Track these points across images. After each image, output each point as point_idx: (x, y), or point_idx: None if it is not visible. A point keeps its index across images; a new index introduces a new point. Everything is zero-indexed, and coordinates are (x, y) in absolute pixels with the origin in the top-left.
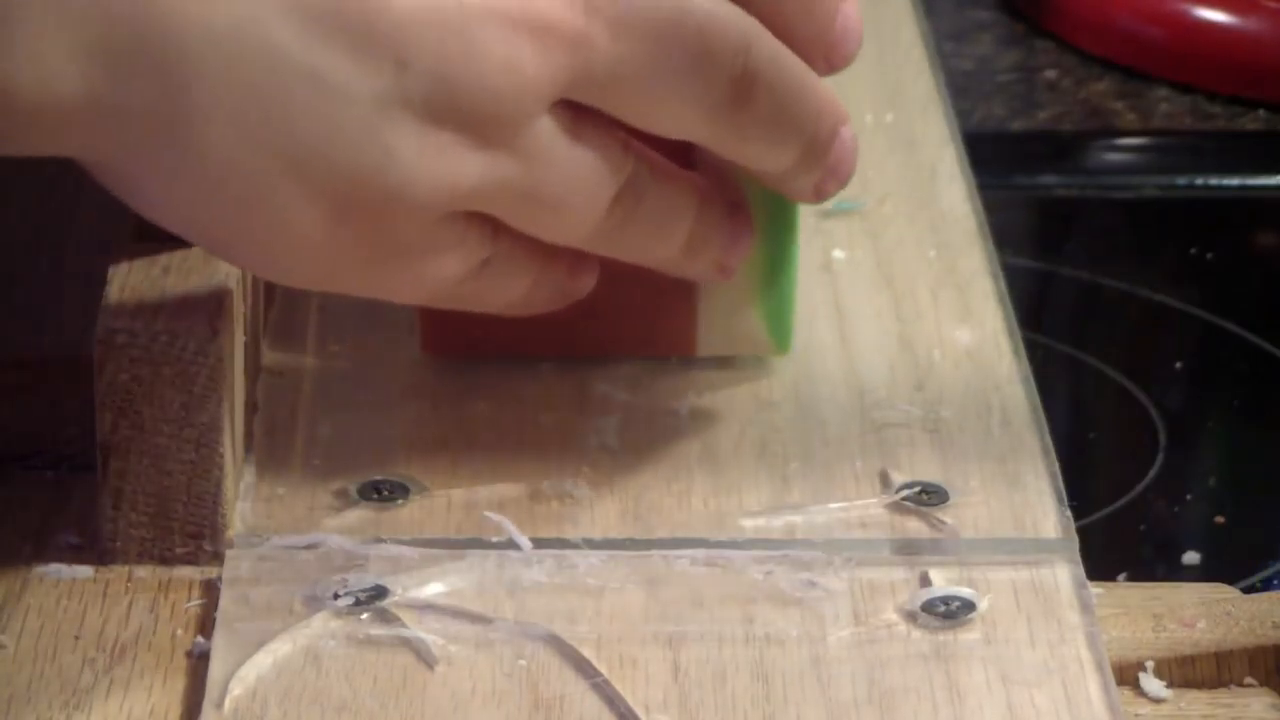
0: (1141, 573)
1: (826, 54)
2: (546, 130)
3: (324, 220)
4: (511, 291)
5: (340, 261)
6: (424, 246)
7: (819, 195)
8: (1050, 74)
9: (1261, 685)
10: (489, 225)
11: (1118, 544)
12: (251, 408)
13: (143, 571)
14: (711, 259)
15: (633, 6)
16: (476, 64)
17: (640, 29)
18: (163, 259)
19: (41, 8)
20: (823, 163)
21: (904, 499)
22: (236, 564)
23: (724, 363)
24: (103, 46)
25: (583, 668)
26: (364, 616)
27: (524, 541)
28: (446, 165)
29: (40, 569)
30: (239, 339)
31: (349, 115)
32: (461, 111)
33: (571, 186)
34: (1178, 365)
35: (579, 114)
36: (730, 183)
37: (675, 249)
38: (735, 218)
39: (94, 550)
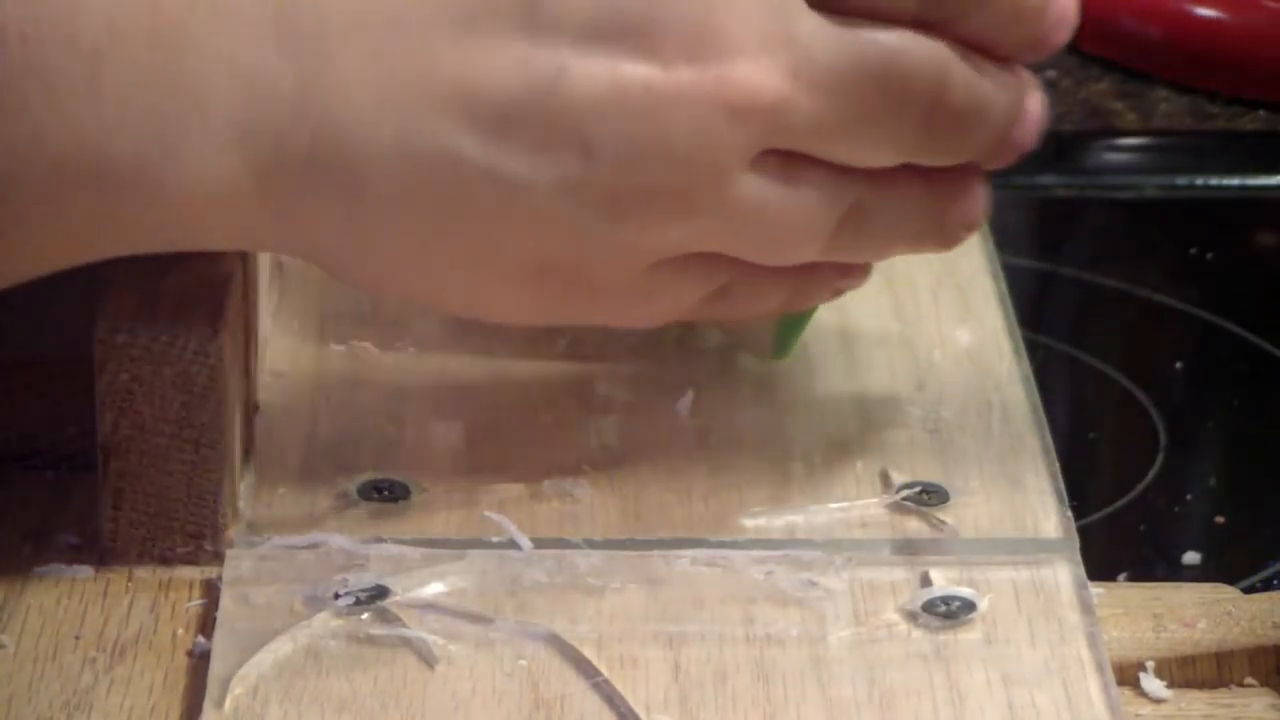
0: (1141, 573)
1: (1035, 46)
2: (750, 184)
3: (523, 292)
4: (768, 304)
5: (554, 308)
6: (642, 292)
7: (1000, 161)
8: (1050, 74)
9: (1262, 685)
10: (720, 259)
11: (1118, 544)
12: (251, 408)
13: (143, 571)
14: (952, 235)
15: (830, 66)
16: (666, 142)
17: (837, 85)
18: (163, 259)
19: (218, 122)
20: (1005, 146)
21: (904, 499)
22: (237, 564)
23: (725, 362)
24: (276, 162)
25: (583, 667)
26: (364, 616)
27: (524, 541)
28: (641, 236)
29: (40, 569)
30: (239, 339)
31: (531, 205)
32: (654, 188)
33: (786, 227)
34: (1178, 365)
35: (786, 158)
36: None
37: (908, 243)
38: (965, 187)
39: (94, 550)
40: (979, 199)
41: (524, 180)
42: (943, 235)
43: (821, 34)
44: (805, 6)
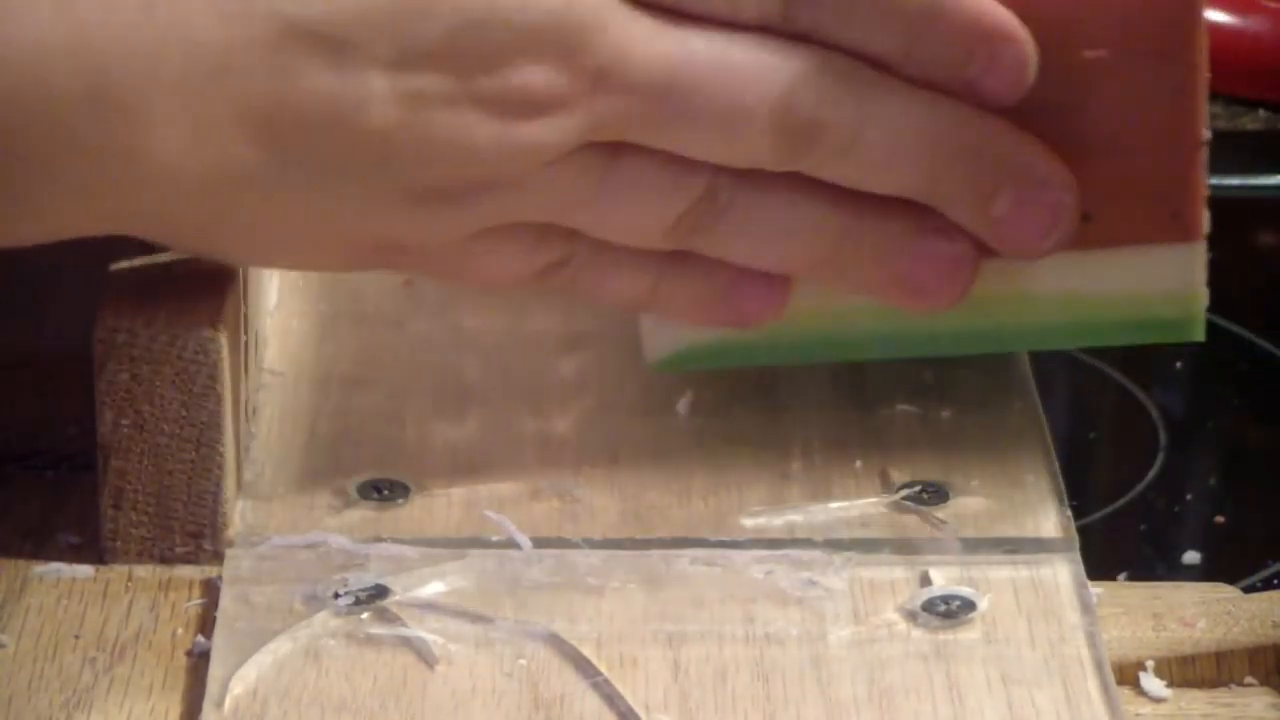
0: (1141, 572)
1: (965, 76)
2: (567, 171)
3: (352, 258)
4: (622, 287)
5: (386, 266)
6: (473, 257)
7: (1001, 244)
8: None
9: (1261, 685)
10: (554, 229)
11: (1118, 544)
12: (251, 408)
13: (143, 571)
14: (886, 277)
15: (646, 68)
16: (471, 153)
17: (654, 87)
18: (163, 259)
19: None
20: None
21: (904, 498)
22: (237, 563)
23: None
24: None
25: (583, 667)
26: (364, 616)
27: (524, 541)
28: (454, 218)
29: (40, 569)
30: (239, 339)
31: (339, 214)
32: (462, 184)
33: (611, 205)
34: (1178, 365)
35: (614, 144)
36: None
37: (802, 264)
38: (947, 239)
39: (94, 550)
40: (947, 267)
41: (331, 196)
42: (864, 274)
43: (640, 35)
44: (627, 7)
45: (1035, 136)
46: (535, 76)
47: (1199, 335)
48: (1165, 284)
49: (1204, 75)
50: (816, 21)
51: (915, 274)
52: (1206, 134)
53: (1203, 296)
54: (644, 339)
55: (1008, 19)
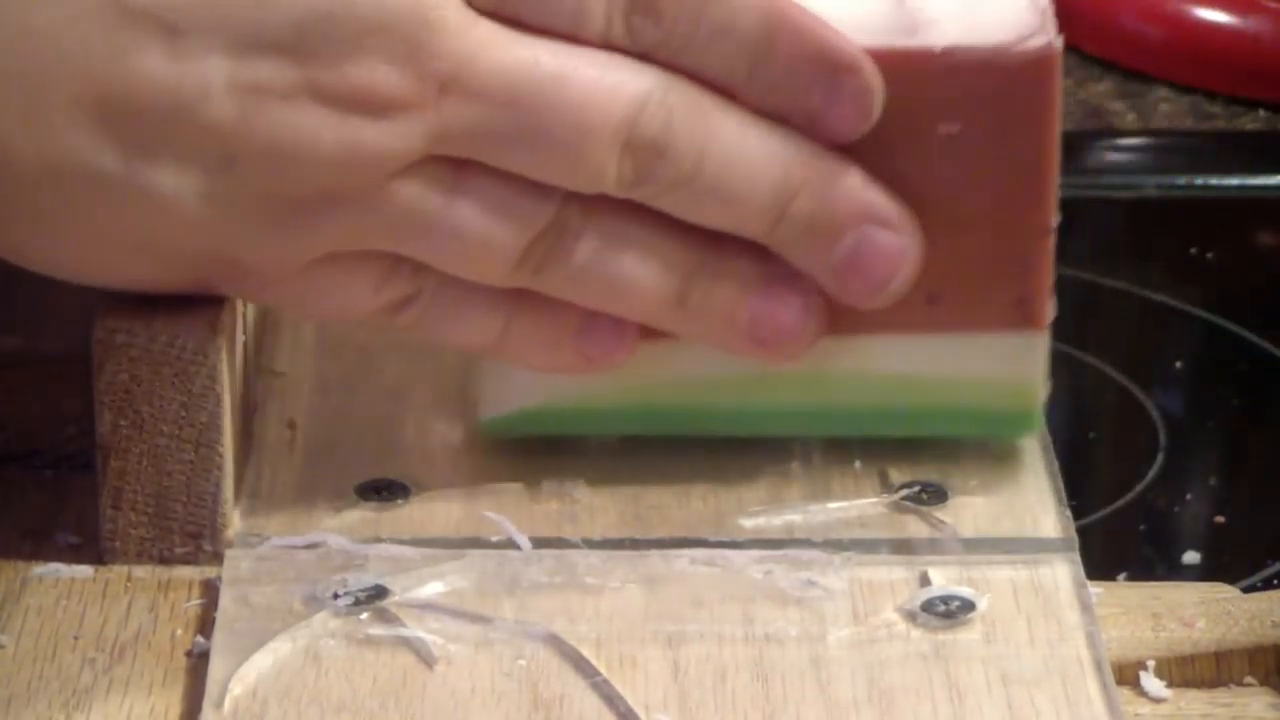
0: (1141, 572)
1: (808, 109)
2: (411, 187)
3: (186, 276)
4: (471, 329)
5: (222, 290)
6: (314, 287)
7: (842, 289)
8: None
9: (1261, 685)
10: (404, 263)
11: (1118, 544)
12: (251, 408)
13: (142, 571)
14: (731, 325)
15: (490, 76)
16: (312, 151)
17: (497, 97)
18: None
19: None
20: (821, 249)
21: (904, 498)
22: (236, 564)
23: None
24: None
25: (582, 667)
26: (364, 616)
27: (524, 541)
28: (295, 235)
29: (40, 569)
30: (239, 339)
31: (179, 214)
32: (303, 191)
33: (457, 235)
34: (1178, 365)
35: (460, 164)
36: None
37: (648, 306)
38: (792, 288)
39: (94, 550)
40: (787, 320)
41: (170, 192)
42: (710, 320)
43: (488, 42)
44: (473, 14)
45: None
46: (381, 75)
47: (1035, 429)
48: (1004, 373)
49: (1055, 158)
50: (660, 40)
51: (760, 323)
52: (1055, 219)
53: (1041, 390)
54: (481, 393)
55: (852, 50)
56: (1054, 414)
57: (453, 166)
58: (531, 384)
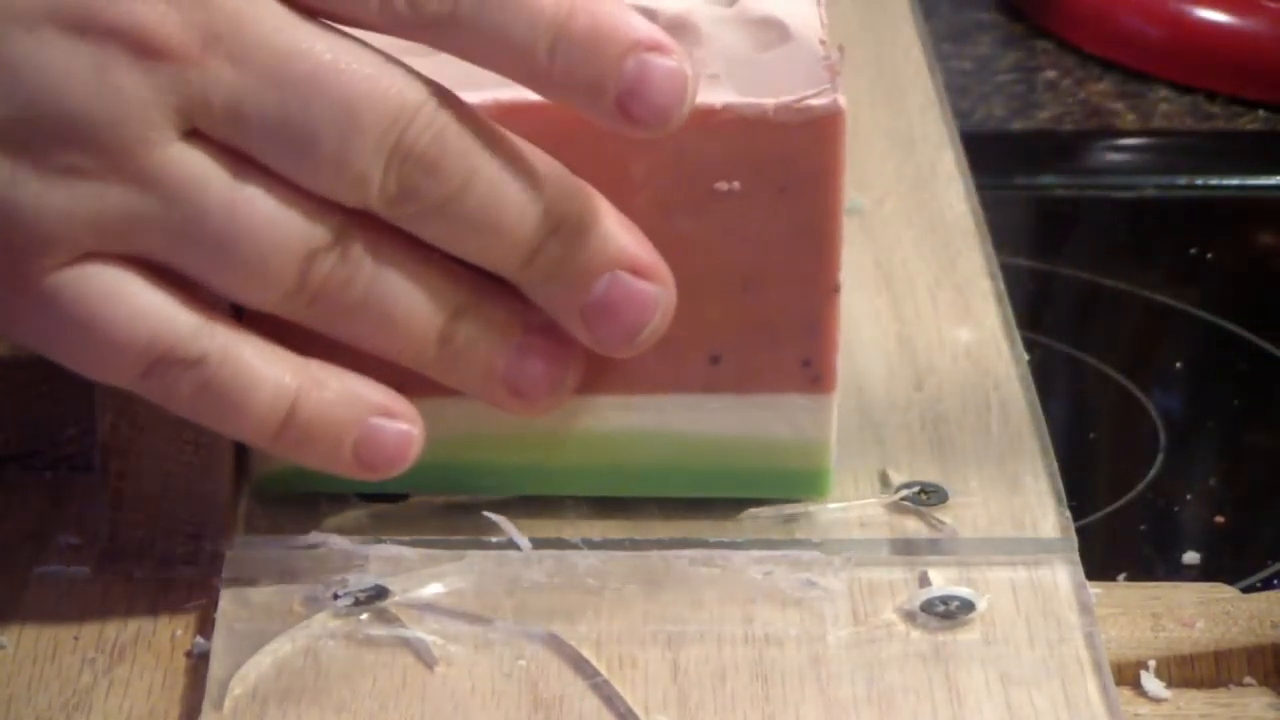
0: (1141, 573)
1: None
2: (177, 161)
3: None
4: (253, 385)
5: None
6: (62, 303)
7: (592, 335)
8: (1050, 74)
9: (1260, 685)
10: (201, 318)
11: (1118, 544)
12: None
13: (142, 572)
14: (489, 374)
15: (258, 47)
16: (69, 85)
17: (262, 70)
18: None
19: None
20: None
21: (903, 499)
22: (236, 564)
23: None
24: None
25: (582, 668)
26: (364, 617)
27: (523, 542)
28: (48, 197)
29: (40, 569)
30: None
31: None
32: (58, 135)
33: (227, 237)
34: (1178, 365)
35: (238, 159)
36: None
37: (414, 342)
38: (549, 340)
39: (94, 550)
40: (546, 372)
41: None
42: (471, 367)
43: (265, 15)
44: None
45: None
46: (141, 10)
47: (825, 490)
48: (792, 434)
49: (840, 218)
50: (447, 14)
51: (516, 374)
52: (840, 280)
53: (830, 450)
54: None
55: (658, 31)
56: (1054, 414)
57: (233, 159)
58: None
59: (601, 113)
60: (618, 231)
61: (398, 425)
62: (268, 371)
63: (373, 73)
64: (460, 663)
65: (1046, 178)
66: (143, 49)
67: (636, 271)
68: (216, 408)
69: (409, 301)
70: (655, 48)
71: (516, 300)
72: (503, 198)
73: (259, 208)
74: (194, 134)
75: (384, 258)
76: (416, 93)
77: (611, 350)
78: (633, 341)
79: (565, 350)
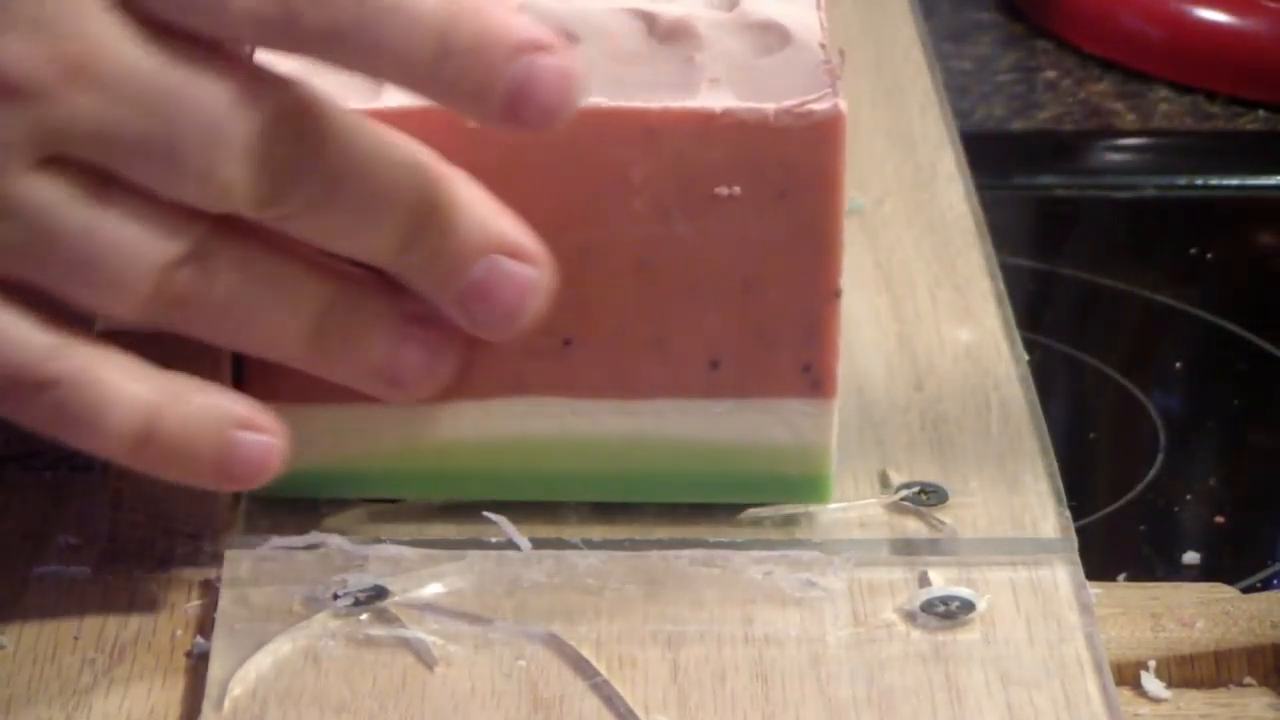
0: (1141, 573)
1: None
2: (34, 189)
3: None
4: (112, 401)
5: None
6: None
7: (469, 318)
8: (1050, 74)
9: (1260, 685)
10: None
11: (1118, 544)
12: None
13: (142, 572)
14: (365, 366)
15: (119, 74)
16: None
17: (125, 98)
18: None
19: None
20: (447, 273)
21: (903, 499)
22: (236, 564)
23: None
24: None
25: (582, 668)
26: (363, 617)
27: (523, 542)
28: None
29: (39, 569)
30: None
31: None
32: None
33: (82, 255)
34: (1178, 365)
35: (102, 178)
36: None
37: (283, 341)
38: (424, 328)
39: (94, 550)
40: (427, 364)
41: None
42: (350, 363)
43: (121, 35)
44: (115, 5)
45: (649, 269)
46: (5, 53)
47: (825, 496)
48: (792, 440)
49: (841, 222)
50: (329, 22)
51: (392, 363)
52: (841, 285)
53: (831, 456)
54: None
55: (546, 33)
56: (1054, 414)
57: (96, 178)
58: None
59: (489, 116)
60: (492, 216)
61: (259, 438)
62: (127, 389)
63: (238, 84)
64: (460, 663)
65: (1046, 178)
66: (2, 89)
67: (513, 255)
68: (72, 427)
69: (274, 300)
70: (541, 48)
71: (391, 289)
72: (373, 192)
73: (117, 224)
74: (53, 160)
75: (248, 260)
76: (281, 98)
77: (491, 334)
78: (511, 324)
79: (443, 338)
